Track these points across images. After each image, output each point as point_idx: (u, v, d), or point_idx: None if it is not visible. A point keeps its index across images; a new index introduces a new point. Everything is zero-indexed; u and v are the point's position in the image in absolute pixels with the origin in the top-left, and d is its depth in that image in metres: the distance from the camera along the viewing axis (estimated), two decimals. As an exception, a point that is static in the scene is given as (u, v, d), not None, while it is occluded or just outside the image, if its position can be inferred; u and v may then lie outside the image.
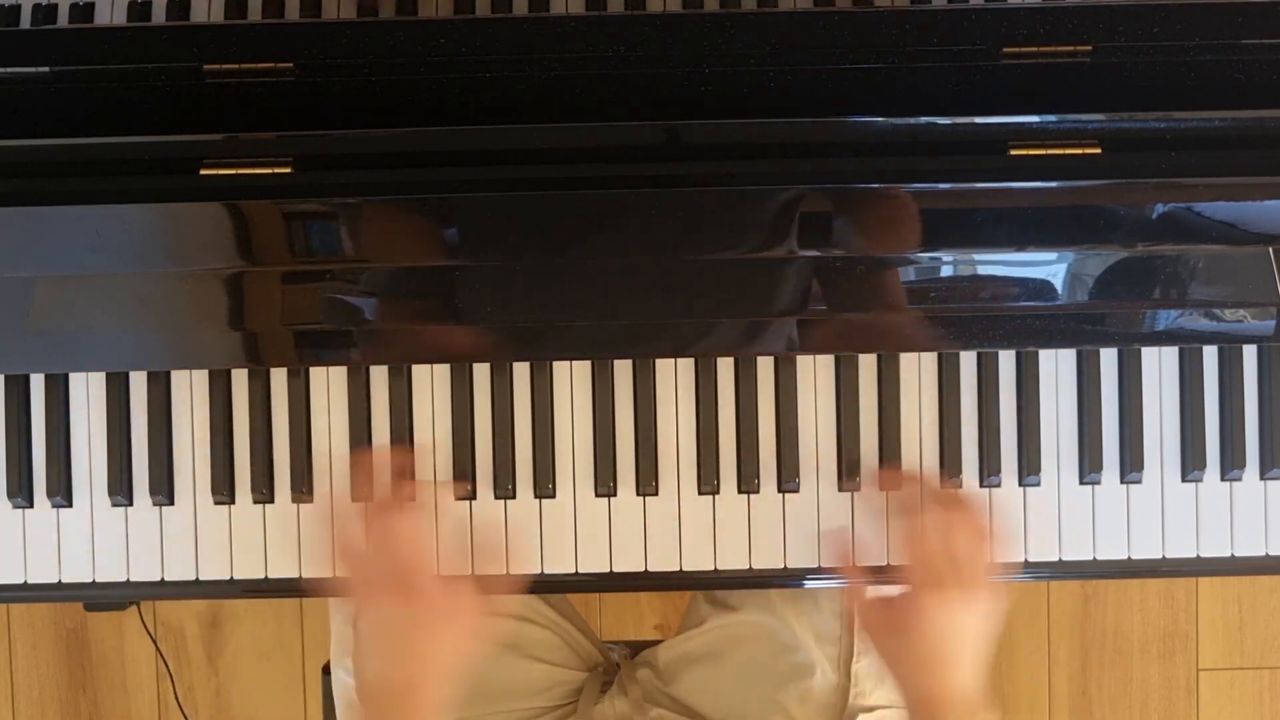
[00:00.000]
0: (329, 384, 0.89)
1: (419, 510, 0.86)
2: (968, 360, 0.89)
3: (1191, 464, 0.89)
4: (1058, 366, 0.89)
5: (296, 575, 0.89)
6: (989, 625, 0.81)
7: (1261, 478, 0.89)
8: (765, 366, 0.89)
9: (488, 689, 0.97)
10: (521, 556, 0.88)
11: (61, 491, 0.89)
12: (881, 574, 0.87)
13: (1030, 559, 0.90)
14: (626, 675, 1.02)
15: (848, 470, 0.88)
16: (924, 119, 0.81)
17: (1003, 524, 0.89)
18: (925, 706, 0.80)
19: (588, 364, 0.89)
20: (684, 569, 0.89)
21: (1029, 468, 0.89)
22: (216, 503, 0.89)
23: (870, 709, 0.97)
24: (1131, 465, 0.89)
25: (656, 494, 0.89)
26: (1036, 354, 0.89)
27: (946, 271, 0.84)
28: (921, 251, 0.83)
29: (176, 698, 1.64)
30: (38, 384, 0.89)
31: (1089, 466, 0.89)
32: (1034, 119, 0.82)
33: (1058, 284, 0.84)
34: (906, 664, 0.82)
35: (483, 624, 0.82)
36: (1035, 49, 0.85)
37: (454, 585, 0.81)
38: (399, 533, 0.81)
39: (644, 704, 1.00)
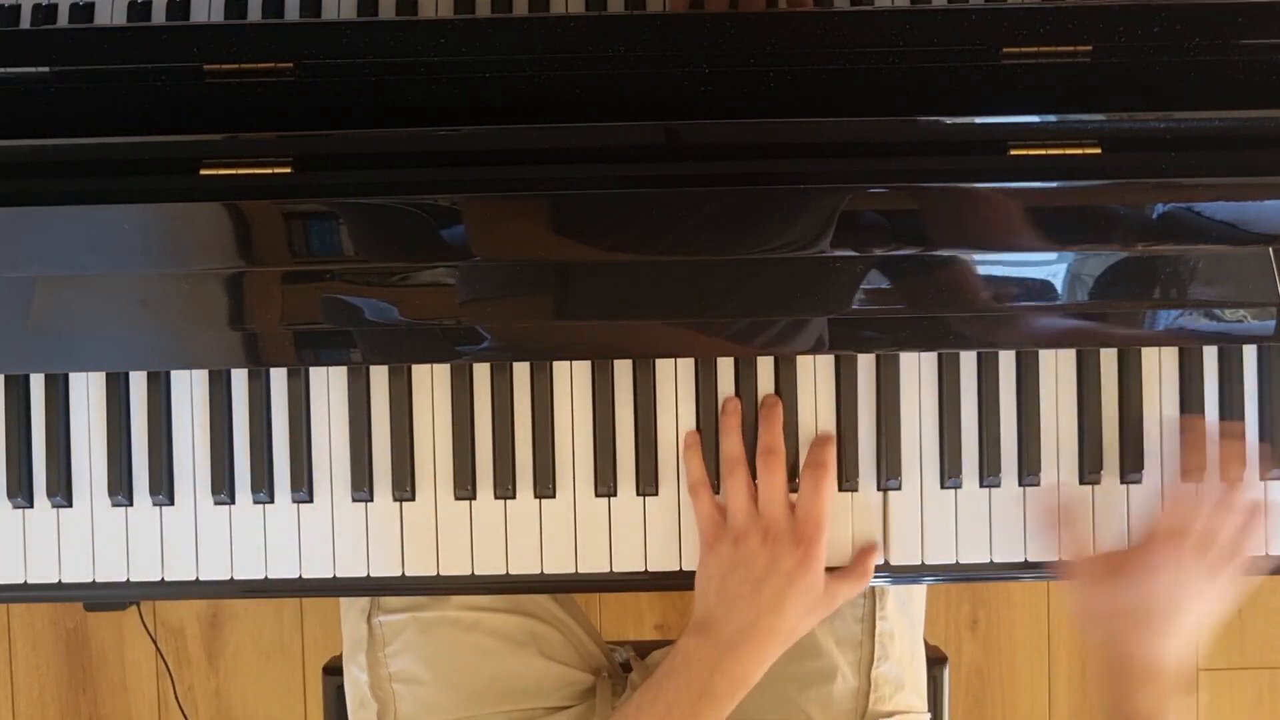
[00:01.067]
0: (329, 384, 0.89)
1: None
2: (968, 360, 0.89)
3: (1191, 464, 0.89)
4: (1057, 367, 0.89)
5: (297, 575, 0.89)
6: (1216, 611, 0.83)
7: (1261, 478, 0.89)
8: (765, 366, 0.89)
9: (500, 685, 0.97)
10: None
11: (61, 491, 0.89)
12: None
13: (1030, 558, 0.90)
14: (640, 677, 1.02)
15: (847, 469, 0.89)
16: (924, 119, 0.81)
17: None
18: (1123, 663, 0.81)
19: (588, 364, 0.89)
20: (683, 569, 0.89)
21: (1029, 468, 0.89)
22: (216, 503, 0.89)
23: (890, 714, 0.97)
24: (1131, 465, 0.89)
25: (657, 494, 0.89)
26: (1036, 354, 0.89)
27: (946, 271, 0.84)
28: (919, 251, 0.83)
29: (176, 698, 1.65)
30: (38, 384, 0.89)
31: (1089, 468, 0.89)
32: (1034, 119, 0.82)
33: (1057, 284, 0.84)
34: (1119, 617, 0.82)
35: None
36: (1035, 49, 0.85)
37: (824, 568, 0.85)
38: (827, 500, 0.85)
39: None
